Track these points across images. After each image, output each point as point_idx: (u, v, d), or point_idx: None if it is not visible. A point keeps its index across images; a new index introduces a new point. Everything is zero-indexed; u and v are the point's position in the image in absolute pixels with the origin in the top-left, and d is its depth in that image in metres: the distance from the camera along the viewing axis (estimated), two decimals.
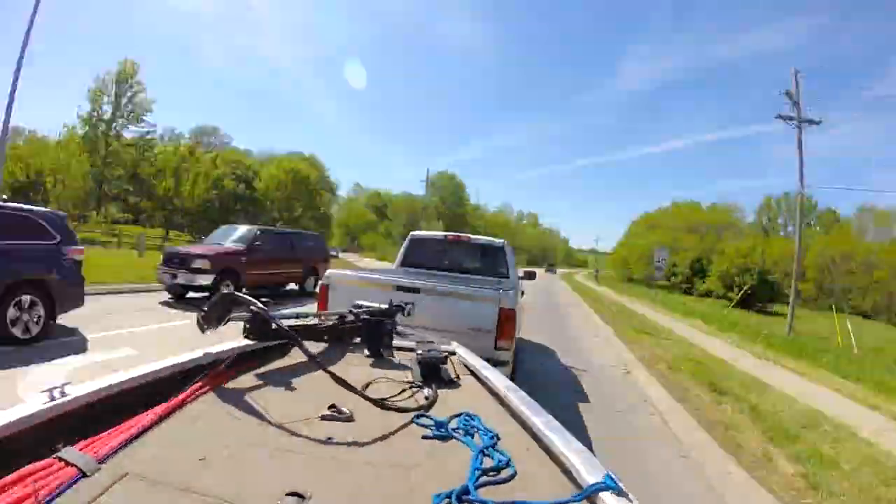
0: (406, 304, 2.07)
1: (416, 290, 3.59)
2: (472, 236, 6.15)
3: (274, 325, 1.54)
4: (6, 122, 13.98)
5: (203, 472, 0.90)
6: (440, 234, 6.40)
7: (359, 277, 3.88)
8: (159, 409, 1.14)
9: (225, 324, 1.56)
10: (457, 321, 3.50)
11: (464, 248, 6.11)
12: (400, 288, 3.60)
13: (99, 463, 0.88)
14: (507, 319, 3.52)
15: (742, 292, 27.48)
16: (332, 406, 1.26)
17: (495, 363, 2.66)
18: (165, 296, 9.67)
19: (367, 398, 1.34)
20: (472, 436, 1.19)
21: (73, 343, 5.59)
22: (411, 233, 6.26)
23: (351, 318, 2.07)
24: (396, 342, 1.97)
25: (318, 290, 3.94)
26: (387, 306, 2.02)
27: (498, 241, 6.10)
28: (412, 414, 1.30)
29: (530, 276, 6.79)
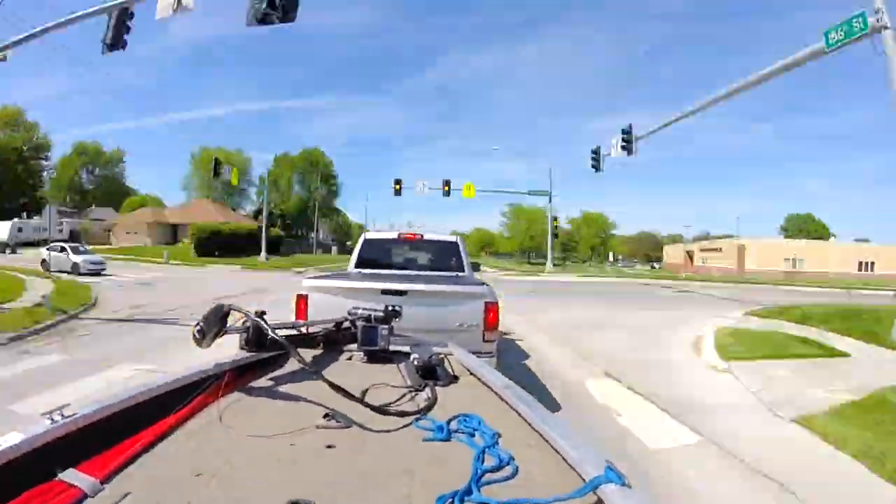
0: (396, 307, 2.09)
1: (402, 293, 3.60)
2: (426, 234, 6.13)
3: (270, 336, 1.54)
4: None
5: (205, 488, 0.91)
6: (393, 233, 6.36)
7: (339, 285, 3.85)
8: (159, 427, 1.14)
9: (221, 336, 1.56)
10: (445, 320, 3.56)
11: (418, 245, 6.10)
12: (386, 292, 3.60)
13: (102, 484, 0.88)
14: (491, 313, 3.67)
15: None
16: (330, 414, 1.26)
17: (483, 356, 2.70)
18: None
19: (366, 405, 1.35)
20: (473, 436, 1.20)
21: None
22: (364, 233, 6.19)
23: (347, 324, 2.07)
24: (393, 346, 1.98)
25: (294, 300, 3.85)
26: (382, 311, 2.02)
27: (451, 237, 6.11)
28: (412, 417, 1.31)
29: (475, 267, 6.83)
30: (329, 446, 1.12)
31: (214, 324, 1.51)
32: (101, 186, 64.60)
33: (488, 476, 0.99)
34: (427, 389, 1.55)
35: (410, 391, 1.55)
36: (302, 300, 3.77)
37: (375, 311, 2.03)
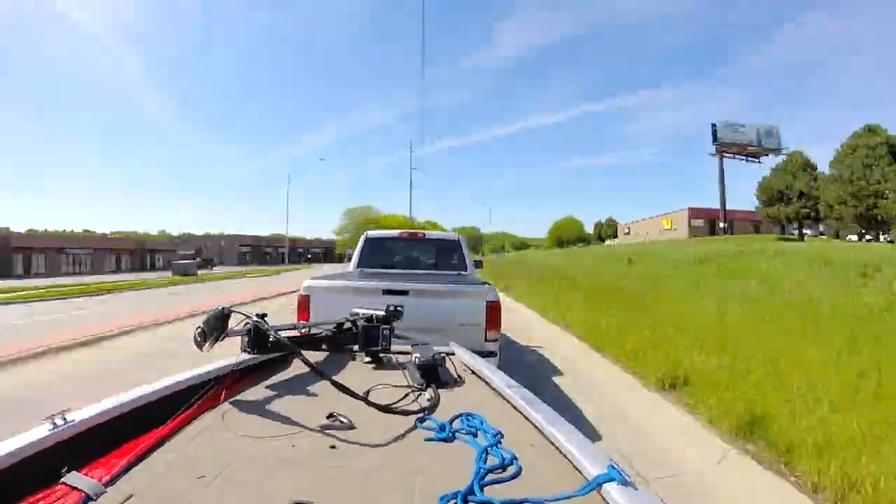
0: (398, 307, 2.09)
1: (404, 293, 3.60)
2: (428, 232, 6.11)
3: (272, 338, 1.54)
4: None
5: (208, 491, 0.91)
6: (395, 231, 6.28)
7: (340, 285, 3.85)
8: (161, 430, 1.14)
9: (222, 339, 1.56)
10: (447, 319, 3.55)
11: (420, 244, 6.08)
12: (387, 292, 3.60)
13: (104, 487, 0.88)
14: (493, 312, 3.66)
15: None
16: (333, 415, 1.26)
17: (485, 355, 2.71)
18: None
19: (371, 404, 1.35)
20: (476, 435, 1.20)
21: None
22: (366, 232, 6.10)
23: (348, 325, 2.07)
24: (395, 346, 1.97)
25: (297, 300, 3.86)
26: (383, 311, 2.02)
27: (453, 234, 6.08)
28: (414, 417, 1.31)
29: (478, 265, 6.78)
30: (332, 447, 1.11)
31: (215, 327, 1.51)
32: None
33: (491, 476, 0.99)
34: (429, 389, 1.55)
35: (412, 391, 1.55)
36: (303, 301, 3.77)
37: (377, 311, 2.03)
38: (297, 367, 1.78)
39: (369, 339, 1.93)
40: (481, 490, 0.92)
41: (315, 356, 1.98)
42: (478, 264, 6.71)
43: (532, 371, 6.15)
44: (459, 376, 1.78)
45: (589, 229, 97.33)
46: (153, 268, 52.65)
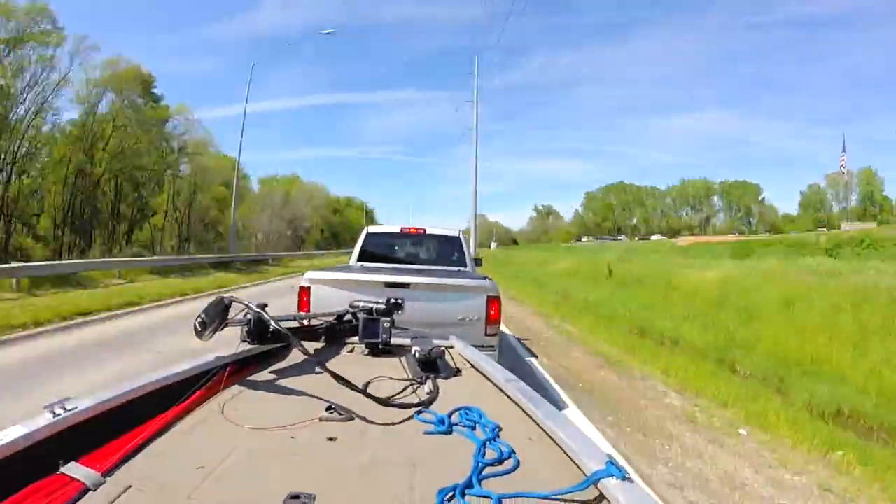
0: (398, 300, 2.10)
1: (405, 286, 3.60)
2: (428, 228, 6.09)
3: (272, 328, 1.54)
4: None
5: (207, 481, 0.91)
6: (396, 227, 6.27)
7: (342, 277, 3.85)
8: (160, 420, 1.14)
9: (223, 328, 1.56)
10: (447, 313, 3.57)
11: (420, 239, 6.12)
12: (389, 285, 3.60)
13: (103, 477, 0.88)
14: (494, 307, 3.68)
15: None
16: (332, 406, 1.26)
17: (484, 349, 2.72)
18: None
19: (369, 396, 1.35)
20: (474, 429, 1.20)
21: None
22: (367, 227, 6.17)
23: (348, 317, 2.07)
24: (394, 339, 1.97)
25: (297, 292, 3.88)
26: (383, 304, 2.02)
27: (454, 231, 6.12)
28: (413, 410, 1.31)
29: (478, 262, 6.78)
30: (331, 439, 1.11)
31: (216, 316, 1.51)
32: None
33: (489, 469, 0.99)
34: (428, 382, 1.55)
35: (412, 384, 1.55)
36: (304, 293, 3.78)
37: (377, 303, 2.02)
38: (297, 358, 1.78)
39: (369, 331, 1.93)
40: (479, 483, 0.92)
41: (315, 347, 1.98)
42: (477, 262, 6.70)
43: None
44: (458, 370, 1.78)
45: None
46: None
